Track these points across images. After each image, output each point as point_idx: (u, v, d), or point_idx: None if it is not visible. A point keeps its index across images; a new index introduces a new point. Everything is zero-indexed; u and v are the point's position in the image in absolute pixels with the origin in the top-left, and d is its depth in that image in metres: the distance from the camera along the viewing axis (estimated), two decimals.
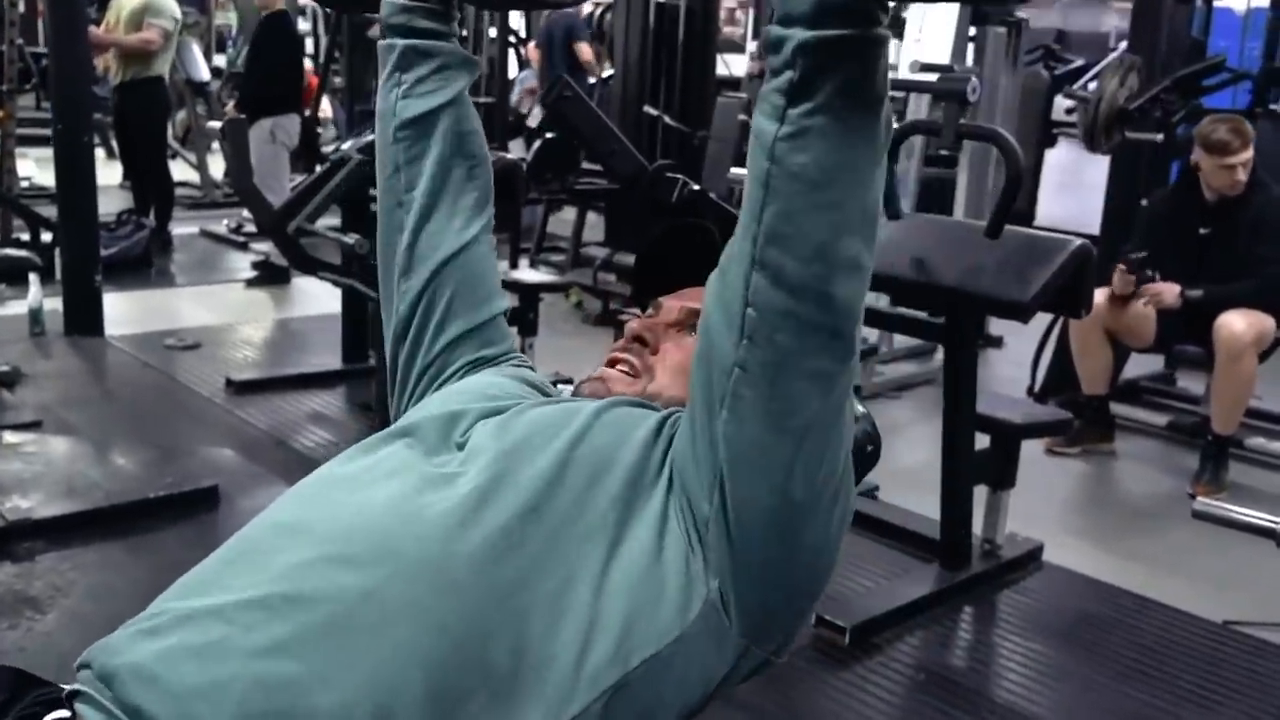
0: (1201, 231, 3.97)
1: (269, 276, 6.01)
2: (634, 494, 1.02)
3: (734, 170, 4.88)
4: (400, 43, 1.26)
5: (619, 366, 1.21)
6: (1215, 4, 6.87)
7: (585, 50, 8.09)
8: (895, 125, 2.74)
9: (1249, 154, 3.86)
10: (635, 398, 1.16)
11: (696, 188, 2.57)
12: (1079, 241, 2.59)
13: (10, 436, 3.59)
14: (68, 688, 0.94)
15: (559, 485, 1.01)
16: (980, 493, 3.00)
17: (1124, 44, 6.25)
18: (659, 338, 1.22)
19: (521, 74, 8.95)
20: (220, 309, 5.55)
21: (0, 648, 2.42)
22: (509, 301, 1.33)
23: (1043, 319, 4.11)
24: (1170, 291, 3.76)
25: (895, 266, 2.67)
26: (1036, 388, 4.38)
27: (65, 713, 0.91)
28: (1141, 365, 4.58)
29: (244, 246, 6.79)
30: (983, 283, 2.55)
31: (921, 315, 3.35)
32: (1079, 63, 7.95)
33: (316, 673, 0.88)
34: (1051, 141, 7.89)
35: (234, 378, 4.25)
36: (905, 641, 2.69)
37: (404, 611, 0.92)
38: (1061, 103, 7.36)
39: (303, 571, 0.95)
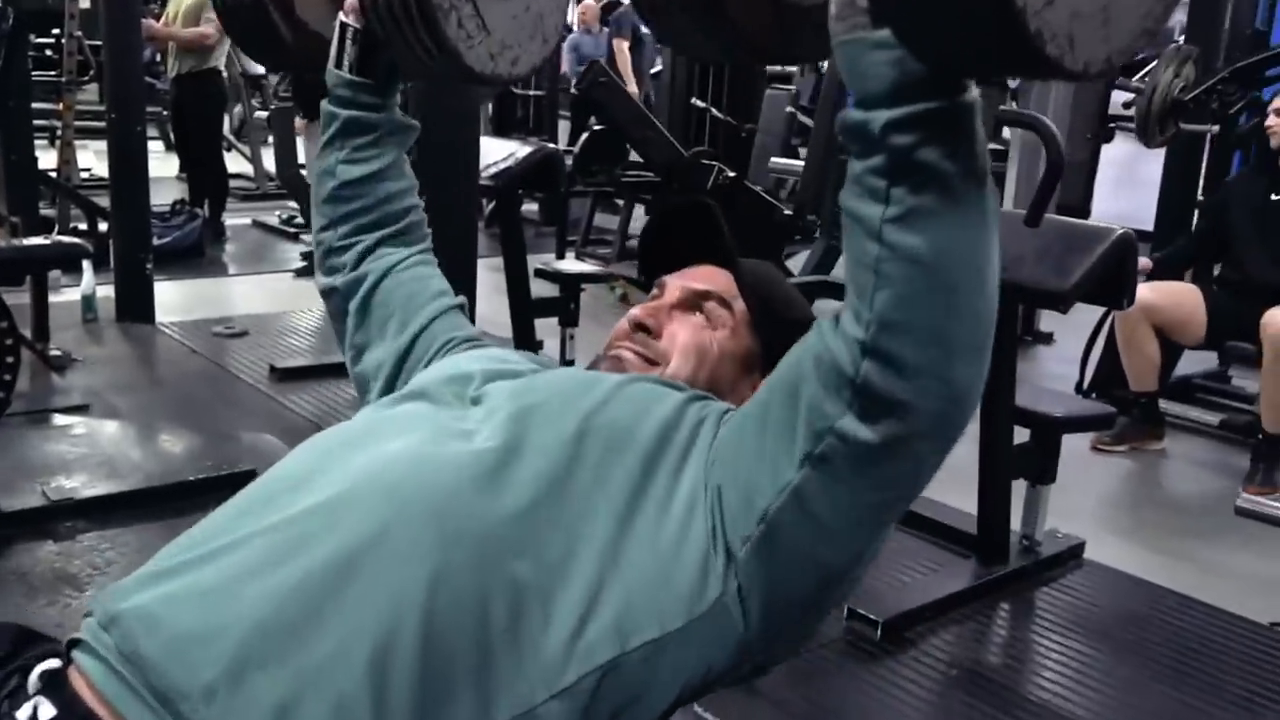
0: (1274, 197, 3.88)
1: None
2: (650, 473, 1.00)
3: (775, 161, 4.83)
4: (342, 113, 1.31)
5: (630, 352, 1.19)
6: None
7: (622, 48, 7.98)
8: None
9: None
10: (658, 376, 1.14)
11: (732, 174, 2.54)
12: (1121, 230, 2.52)
13: (59, 419, 3.66)
14: (68, 638, 0.94)
15: (577, 454, 0.99)
16: (1020, 488, 2.94)
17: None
18: (662, 321, 1.20)
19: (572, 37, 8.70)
20: (269, 298, 5.61)
21: (37, 623, 2.45)
22: (462, 298, 1.36)
23: (1092, 315, 4.03)
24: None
25: None
26: (1085, 385, 4.29)
27: (56, 662, 0.91)
28: (1196, 362, 4.47)
29: (294, 238, 6.85)
30: (1022, 272, 2.48)
31: None
32: (1140, 55, 7.76)
33: (315, 618, 0.87)
34: (1108, 136, 7.71)
35: (278, 365, 4.29)
36: (938, 636, 2.63)
37: (406, 559, 0.90)
38: (1119, 97, 7.19)
39: (309, 517, 0.94)
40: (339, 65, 1.30)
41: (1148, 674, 2.56)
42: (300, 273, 6.11)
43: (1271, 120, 3.83)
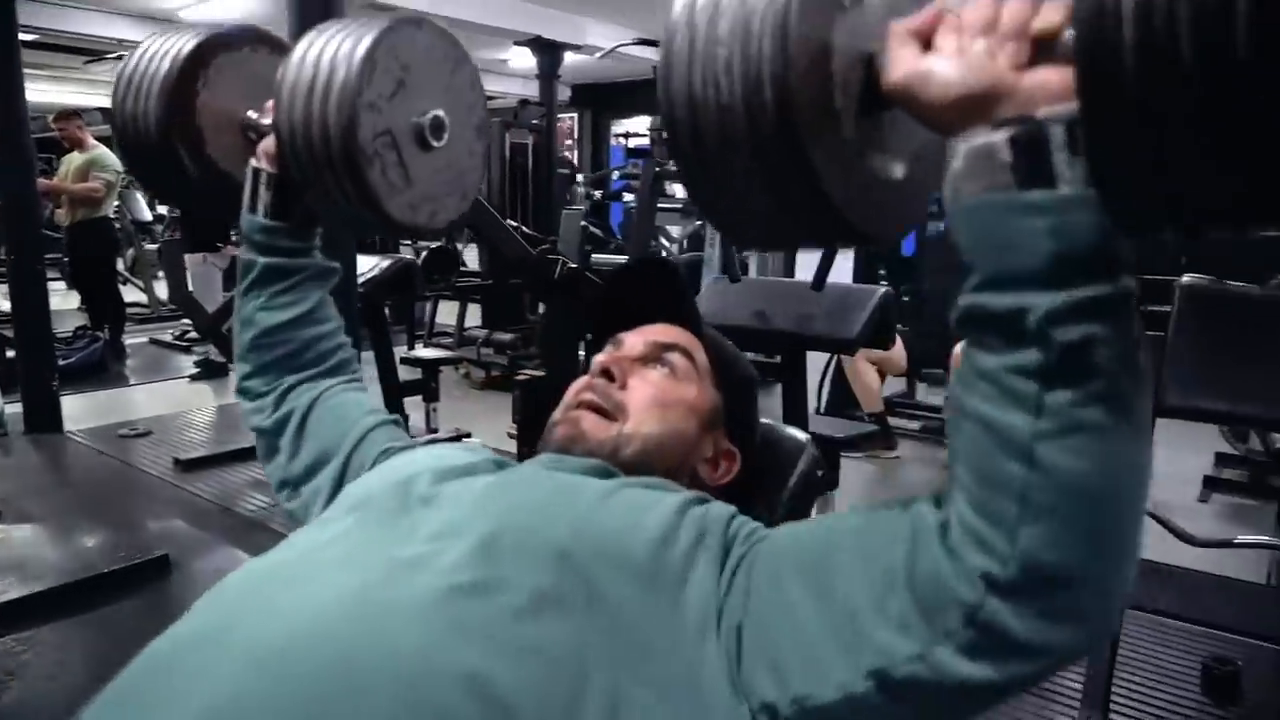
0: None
1: (210, 371, 5.30)
2: (649, 598, 0.62)
3: (598, 257, 4.58)
4: (260, 259, 0.90)
5: (589, 408, 0.82)
6: None
7: None
8: None
9: None
10: (653, 479, 0.76)
11: (574, 266, 2.22)
12: (884, 289, 2.34)
13: None
14: None
15: (561, 585, 0.60)
16: None
17: None
18: (625, 372, 0.85)
19: None
20: (169, 402, 4.81)
21: None
22: (396, 416, 0.95)
23: (818, 359, 3.91)
24: None
25: (740, 318, 2.37)
26: (822, 409, 4.17)
27: None
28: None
29: (187, 349, 5.99)
30: (815, 326, 2.27)
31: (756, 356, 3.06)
32: None
33: None
34: None
35: (181, 457, 3.60)
36: None
37: None
38: None
39: (230, 706, 0.52)
40: (253, 210, 0.89)
41: None
42: (195, 377, 5.33)
43: None
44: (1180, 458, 3.67)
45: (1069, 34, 0.47)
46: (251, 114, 0.96)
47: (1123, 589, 0.52)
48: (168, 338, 6.35)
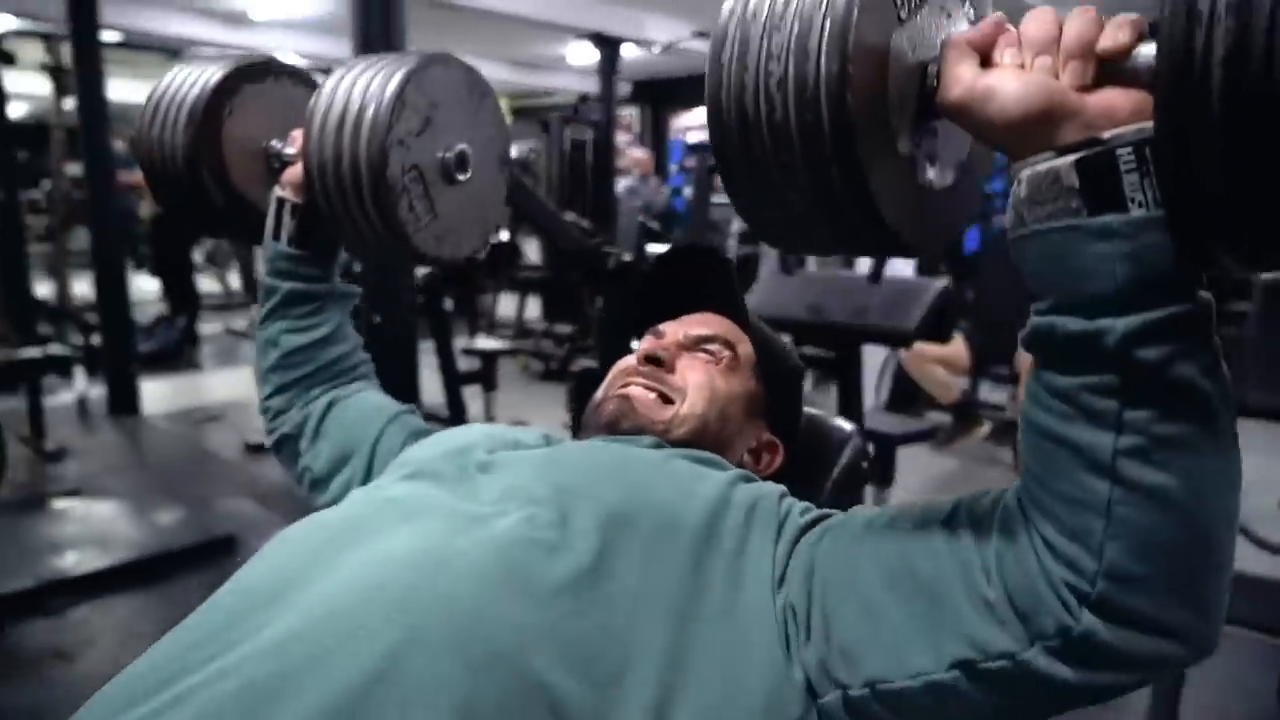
0: None
1: None
2: (702, 566, 0.61)
3: (653, 248, 4.58)
4: (284, 285, 0.92)
5: (641, 388, 0.81)
6: None
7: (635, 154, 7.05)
8: None
9: None
10: (702, 453, 0.75)
11: (628, 258, 2.21)
12: (943, 283, 2.28)
13: (56, 504, 3.00)
14: None
15: (617, 546, 0.60)
16: (868, 492, 2.66)
17: None
18: (672, 357, 0.84)
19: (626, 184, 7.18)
20: (241, 388, 4.95)
21: (22, 703, 1.88)
22: (411, 405, 0.96)
23: (877, 357, 3.84)
24: None
25: (796, 311, 2.33)
26: (884, 405, 4.09)
27: None
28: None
29: None
30: (871, 319, 2.22)
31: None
32: None
33: None
34: None
35: (251, 441, 3.71)
36: None
37: (423, 698, 0.50)
38: None
39: (291, 647, 0.53)
40: (277, 238, 0.92)
41: None
42: None
43: None
44: (1260, 461, 3.50)
45: (1139, 54, 0.46)
46: (275, 143, 0.98)
47: (1219, 600, 0.50)
48: (241, 326, 6.55)
